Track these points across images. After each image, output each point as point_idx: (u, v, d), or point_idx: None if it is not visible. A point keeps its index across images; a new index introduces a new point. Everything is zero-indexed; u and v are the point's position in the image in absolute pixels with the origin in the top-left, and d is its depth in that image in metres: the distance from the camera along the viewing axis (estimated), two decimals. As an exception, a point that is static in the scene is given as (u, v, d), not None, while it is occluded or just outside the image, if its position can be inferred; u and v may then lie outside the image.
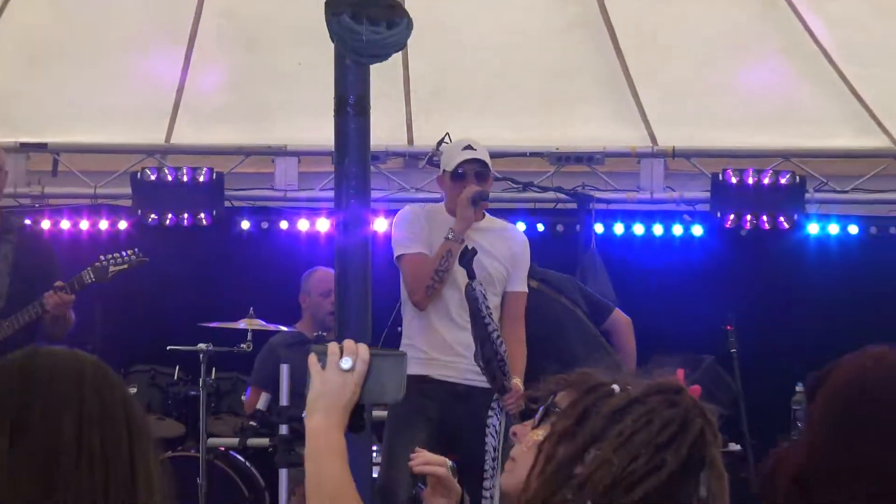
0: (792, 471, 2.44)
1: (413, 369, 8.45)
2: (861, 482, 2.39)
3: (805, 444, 2.50)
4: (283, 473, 8.32)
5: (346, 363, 3.49)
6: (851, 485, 2.39)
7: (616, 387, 3.49)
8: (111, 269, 8.81)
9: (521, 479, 3.58)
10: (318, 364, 3.53)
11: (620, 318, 10.43)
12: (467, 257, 7.92)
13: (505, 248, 8.79)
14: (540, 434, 3.58)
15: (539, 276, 10.19)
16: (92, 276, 8.72)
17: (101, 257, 8.89)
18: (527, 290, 9.00)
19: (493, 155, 11.78)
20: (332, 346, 3.54)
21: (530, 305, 9.33)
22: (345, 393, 3.49)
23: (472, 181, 8.52)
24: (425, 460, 4.01)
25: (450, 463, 3.97)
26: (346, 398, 3.49)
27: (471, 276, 7.94)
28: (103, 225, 12.65)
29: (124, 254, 8.95)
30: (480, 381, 8.12)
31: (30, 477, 2.44)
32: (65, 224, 12.56)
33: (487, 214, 9.16)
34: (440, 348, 8.25)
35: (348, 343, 3.54)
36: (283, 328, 10.69)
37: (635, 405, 3.44)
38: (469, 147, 8.73)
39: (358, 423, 3.54)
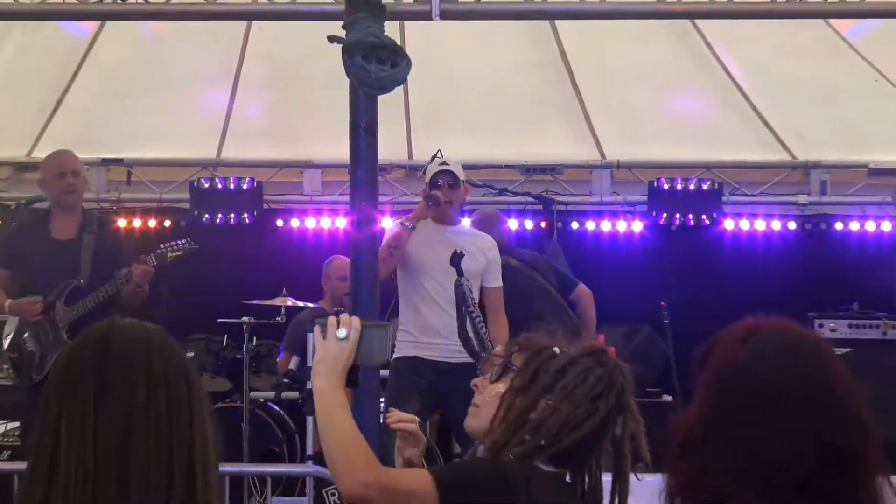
0: (679, 437, 2.43)
1: (405, 351, 8.57)
2: (730, 447, 2.33)
3: (688, 414, 2.46)
4: (310, 420, 8.38)
5: (341, 333, 3.58)
6: (722, 448, 2.34)
7: (556, 349, 3.69)
8: (169, 254, 8.82)
9: (485, 422, 3.74)
10: (320, 335, 3.63)
11: (584, 291, 10.40)
12: (456, 259, 7.91)
13: (479, 250, 8.72)
14: (500, 387, 3.75)
15: (519, 256, 10.22)
16: (154, 261, 8.77)
17: (161, 245, 8.91)
18: (501, 284, 8.89)
19: (476, 167, 11.90)
20: (331, 319, 3.63)
21: (512, 281, 9.36)
22: (342, 357, 3.58)
23: (446, 189, 8.53)
24: (398, 418, 4.03)
25: (417, 420, 4.02)
26: (343, 362, 3.58)
27: (459, 273, 7.93)
28: (166, 223, 12.73)
29: (180, 242, 8.96)
30: (460, 358, 8.09)
31: (111, 429, 2.43)
32: (136, 222, 12.60)
33: (463, 221, 9.26)
34: (426, 332, 8.21)
35: (344, 316, 3.63)
36: (310, 304, 10.69)
37: (574, 364, 3.66)
38: (444, 163, 8.75)
39: (353, 380, 3.61)
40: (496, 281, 8.84)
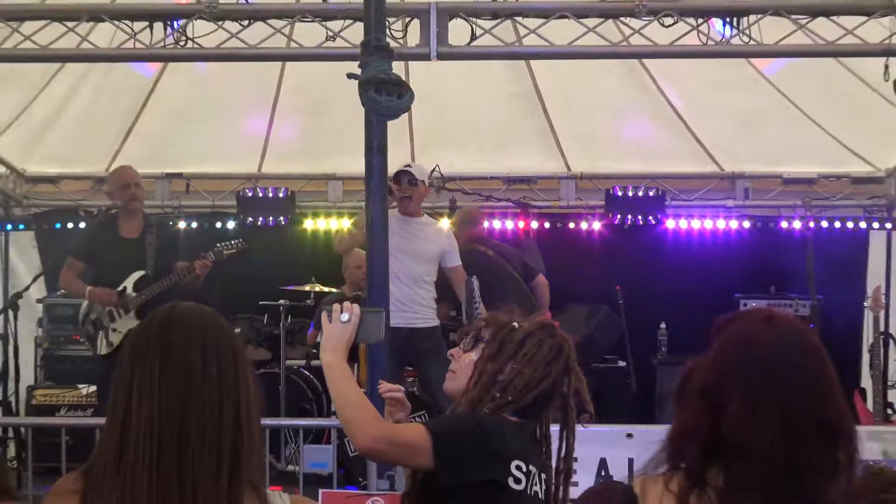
0: (699, 385, 2.41)
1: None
2: (747, 400, 2.34)
3: (708, 366, 2.47)
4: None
5: (344, 317, 3.63)
6: (731, 390, 2.35)
7: (515, 324, 3.82)
8: (225, 251, 8.98)
9: (461, 384, 3.88)
10: (327, 319, 3.66)
11: (542, 280, 10.42)
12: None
13: (439, 237, 8.83)
14: (472, 355, 3.89)
15: (493, 247, 10.30)
16: (213, 256, 8.83)
17: (218, 244, 9.14)
18: (460, 263, 8.95)
19: (466, 178, 11.92)
20: (336, 306, 3.68)
21: (487, 266, 9.39)
22: (344, 336, 3.62)
23: (405, 185, 8.61)
24: (387, 388, 4.07)
25: (402, 389, 4.06)
26: (345, 340, 3.62)
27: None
28: (217, 225, 12.70)
29: (234, 241, 9.17)
30: (419, 324, 8.29)
31: (173, 390, 2.47)
32: (193, 224, 12.60)
33: (425, 214, 9.30)
34: (394, 304, 8.12)
35: (346, 303, 3.66)
36: (333, 290, 10.71)
37: (531, 336, 3.81)
38: (407, 165, 8.91)
39: (354, 355, 3.69)
40: (455, 261, 8.93)
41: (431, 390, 8.35)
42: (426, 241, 8.52)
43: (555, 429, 3.88)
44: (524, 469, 3.64)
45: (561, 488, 3.83)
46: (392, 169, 8.28)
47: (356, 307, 3.66)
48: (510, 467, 3.61)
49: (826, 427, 2.33)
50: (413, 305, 8.46)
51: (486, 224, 11.29)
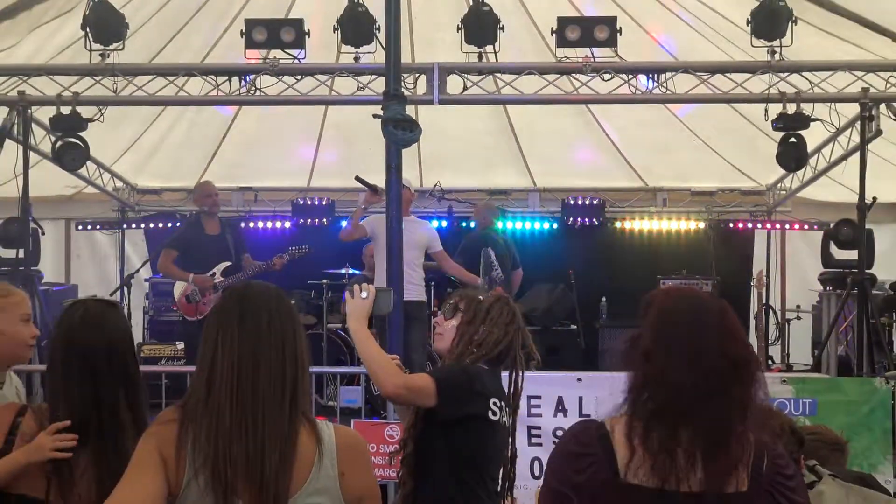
0: (637, 348, 2.36)
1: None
2: (679, 355, 2.28)
3: (641, 333, 2.43)
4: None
5: (363, 294, 3.58)
6: (672, 355, 2.29)
7: (481, 297, 3.85)
8: (296, 253, 9.03)
9: (447, 344, 3.85)
10: (350, 295, 3.61)
11: (519, 273, 10.39)
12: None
13: (423, 231, 8.71)
14: (453, 322, 3.85)
15: (500, 235, 10.45)
16: (287, 256, 8.91)
17: (292, 248, 9.24)
18: (441, 248, 8.79)
19: (459, 191, 11.89)
20: (356, 286, 3.62)
21: (495, 249, 9.34)
22: (364, 309, 3.57)
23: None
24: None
25: (398, 357, 3.94)
26: (365, 312, 3.58)
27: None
28: (278, 225, 12.68)
29: (302, 247, 9.25)
30: (409, 297, 7.93)
31: (248, 343, 2.46)
32: (260, 224, 12.59)
33: (413, 215, 9.19)
34: (387, 281, 8.08)
35: (364, 283, 3.62)
36: (358, 272, 10.71)
37: (495, 305, 3.81)
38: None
39: (371, 323, 3.67)
40: (438, 246, 8.75)
41: (408, 348, 8.07)
42: (414, 234, 8.39)
43: (504, 374, 3.85)
44: (498, 404, 3.66)
45: (511, 416, 3.82)
46: (408, 182, 8.30)
47: (372, 287, 3.61)
48: (489, 402, 3.62)
49: (730, 359, 2.28)
50: (405, 283, 8.34)
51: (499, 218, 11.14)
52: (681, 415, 2.25)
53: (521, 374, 3.83)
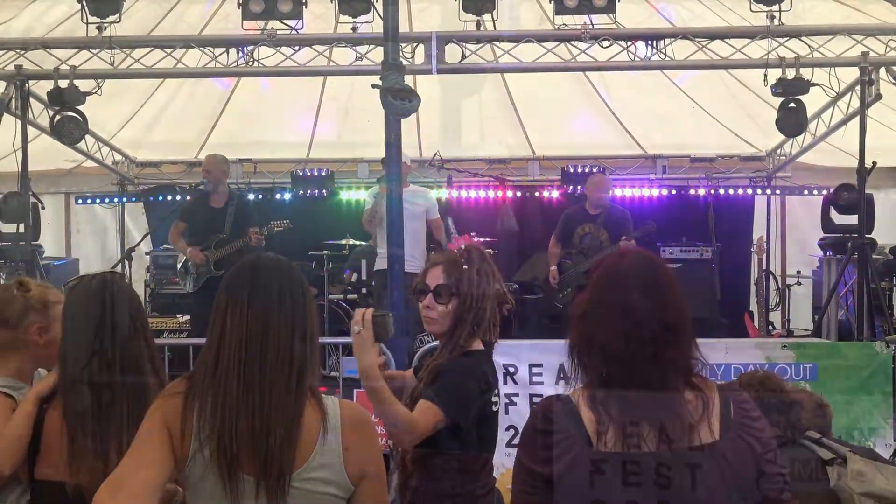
0: (580, 311, 2.41)
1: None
2: (612, 318, 2.31)
3: (586, 296, 2.45)
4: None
5: (356, 329, 3.20)
6: (606, 318, 2.32)
7: (464, 266, 3.66)
8: (275, 228, 8.89)
9: (442, 328, 3.67)
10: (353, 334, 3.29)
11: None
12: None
13: (423, 199, 8.89)
14: (448, 307, 3.65)
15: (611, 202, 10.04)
16: (267, 231, 8.80)
17: (272, 222, 9.00)
18: (438, 216, 8.97)
19: (459, 160, 11.86)
20: (353, 325, 3.26)
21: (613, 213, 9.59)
22: (366, 345, 3.19)
23: None
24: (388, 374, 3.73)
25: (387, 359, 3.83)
26: (368, 347, 3.19)
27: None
28: (277, 196, 12.66)
29: (282, 221, 9.04)
30: (409, 268, 7.69)
31: (258, 315, 2.46)
32: (260, 196, 12.51)
33: (412, 185, 9.28)
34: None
35: (357, 315, 3.24)
36: (361, 243, 10.72)
37: (477, 270, 3.64)
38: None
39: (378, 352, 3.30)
40: (435, 214, 8.95)
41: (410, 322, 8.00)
42: (413, 205, 8.41)
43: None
44: (497, 395, 3.63)
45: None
46: (407, 153, 8.28)
47: (367, 314, 3.23)
48: (492, 396, 3.59)
49: (667, 326, 2.31)
50: (406, 256, 8.29)
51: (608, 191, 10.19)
52: (624, 380, 2.30)
53: (495, 332, 3.72)
